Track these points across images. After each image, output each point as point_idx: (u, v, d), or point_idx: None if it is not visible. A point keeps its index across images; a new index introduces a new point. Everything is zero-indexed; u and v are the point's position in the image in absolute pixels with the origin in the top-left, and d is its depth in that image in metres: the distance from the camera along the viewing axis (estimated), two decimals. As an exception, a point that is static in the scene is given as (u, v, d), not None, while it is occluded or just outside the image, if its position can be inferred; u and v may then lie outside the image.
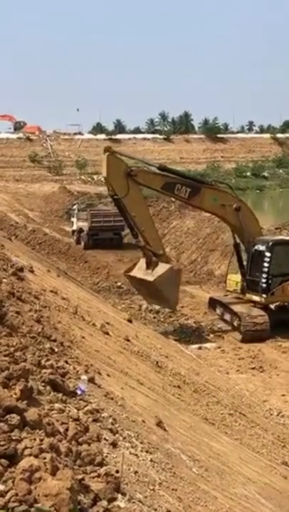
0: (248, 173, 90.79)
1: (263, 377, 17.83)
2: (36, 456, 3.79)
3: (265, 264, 21.52)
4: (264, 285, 21.53)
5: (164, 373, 13.54)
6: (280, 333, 20.91)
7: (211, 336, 21.46)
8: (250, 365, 18.76)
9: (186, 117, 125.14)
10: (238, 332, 21.20)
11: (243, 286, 22.54)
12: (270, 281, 21.53)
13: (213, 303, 23.88)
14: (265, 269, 21.51)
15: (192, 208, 29.51)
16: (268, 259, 21.50)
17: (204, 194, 21.51)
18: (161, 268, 20.54)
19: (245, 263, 22.53)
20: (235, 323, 21.57)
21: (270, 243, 21.84)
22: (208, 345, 20.54)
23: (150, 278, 20.41)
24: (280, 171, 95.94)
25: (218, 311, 23.20)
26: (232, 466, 8.83)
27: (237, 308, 21.97)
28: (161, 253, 21.19)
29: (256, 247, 21.97)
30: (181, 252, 35.54)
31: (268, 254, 21.55)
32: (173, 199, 33.64)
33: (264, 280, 21.53)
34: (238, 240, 22.64)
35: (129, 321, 18.25)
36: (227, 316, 22.42)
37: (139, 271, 21.29)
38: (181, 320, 22.45)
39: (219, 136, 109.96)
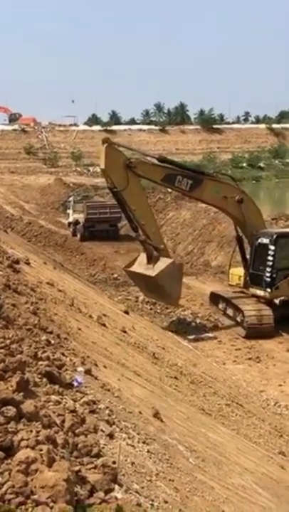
0: (244, 164, 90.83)
1: (260, 368, 17.86)
2: (33, 448, 3.79)
3: (269, 258, 20.81)
4: (268, 279, 20.91)
5: (161, 364, 13.56)
6: (284, 328, 20.56)
7: (208, 326, 21.42)
8: (246, 355, 18.76)
9: (181, 108, 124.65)
10: (241, 328, 20.76)
11: (246, 281, 21.97)
12: (274, 275, 20.87)
13: (215, 298, 23.25)
14: (269, 263, 20.82)
15: (189, 199, 29.09)
16: (272, 253, 20.79)
17: (206, 186, 20.83)
18: (163, 263, 19.95)
19: (248, 256, 21.90)
20: (239, 319, 21.08)
21: (274, 236, 21.05)
22: (204, 336, 20.53)
23: (151, 273, 19.84)
24: (276, 161, 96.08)
25: (221, 306, 22.64)
26: (229, 456, 8.86)
27: (240, 303, 21.40)
28: (162, 247, 20.52)
29: (260, 240, 21.24)
30: (177, 243, 35.53)
31: (272, 247, 20.82)
32: (169, 190, 33.40)
33: (268, 274, 20.90)
34: (240, 233, 22.02)
35: (126, 312, 18.23)
36: (230, 312, 21.91)
37: (140, 266, 20.73)
38: (178, 311, 22.41)
39: (215, 126, 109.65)
